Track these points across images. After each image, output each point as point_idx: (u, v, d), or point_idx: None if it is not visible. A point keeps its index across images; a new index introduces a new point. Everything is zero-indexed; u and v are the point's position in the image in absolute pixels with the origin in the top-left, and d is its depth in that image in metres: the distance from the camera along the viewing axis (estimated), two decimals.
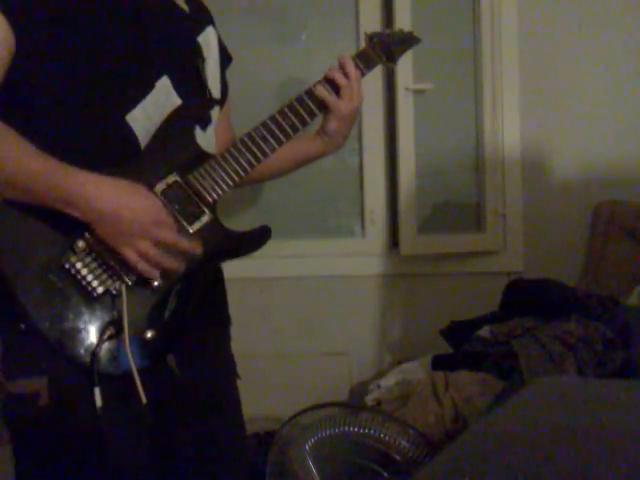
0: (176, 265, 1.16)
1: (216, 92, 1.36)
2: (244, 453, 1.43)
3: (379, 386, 2.25)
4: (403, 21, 2.46)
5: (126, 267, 1.13)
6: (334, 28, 2.68)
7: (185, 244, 1.16)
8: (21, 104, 1.14)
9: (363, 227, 2.70)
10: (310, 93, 1.32)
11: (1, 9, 1.08)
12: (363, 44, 1.43)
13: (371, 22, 2.61)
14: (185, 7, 1.32)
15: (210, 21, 1.39)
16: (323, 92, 1.32)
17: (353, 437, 1.79)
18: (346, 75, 1.33)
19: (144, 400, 1.12)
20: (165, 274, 1.16)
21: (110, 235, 1.11)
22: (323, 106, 1.33)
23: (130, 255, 1.11)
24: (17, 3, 1.09)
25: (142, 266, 1.13)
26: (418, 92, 2.55)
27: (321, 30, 2.68)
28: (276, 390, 2.53)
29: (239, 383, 1.40)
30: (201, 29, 1.34)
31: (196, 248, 1.18)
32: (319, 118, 1.37)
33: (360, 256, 2.67)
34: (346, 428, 1.79)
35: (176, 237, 1.15)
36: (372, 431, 1.78)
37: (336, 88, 1.33)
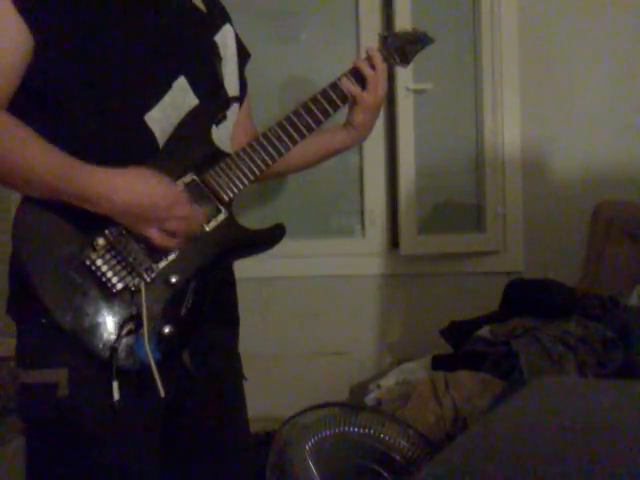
0: (195, 230, 1.19)
1: (234, 90, 1.37)
2: (248, 453, 1.44)
3: (379, 386, 2.25)
4: (403, 21, 2.46)
5: (145, 264, 1.15)
6: (334, 28, 2.68)
7: (200, 211, 1.19)
8: (41, 104, 1.15)
9: (363, 227, 2.70)
10: (335, 86, 1.34)
11: (20, 11, 1.09)
12: (377, 44, 1.43)
13: (371, 22, 2.62)
14: (202, 6, 1.33)
15: (227, 19, 1.40)
16: (348, 84, 1.34)
17: (353, 437, 1.79)
18: (373, 67, 1.35)
19: (162, 394, 1.13)
20: (181, 267, 1.18)
21: (132, 224, 1.13)
22: (346, 99, 1.35)
23: (157, 240, 1.14)
24: (36, 5, 1.10)
25: (171, 244, 1.16)
26: (418, 92, 2.55)
27: (321, 30, 2.68)
28: (276, 390, 2.53)
29: None
30: (218, 28, 1.35)
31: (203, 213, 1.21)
32: (340, 113, 1.39)
33: (360, 256, 2.67)
34: (346, 428, 1.79)
35: (193, 209, 1.18)
36: (372, 431, 1.78)
37: (362, 80, 1.35)
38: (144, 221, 1.13)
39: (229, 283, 1.38)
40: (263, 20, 2.65)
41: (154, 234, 1.14)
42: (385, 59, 1.38)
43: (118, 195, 1.10)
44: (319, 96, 1.32)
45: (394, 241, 2.67)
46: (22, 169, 1.09)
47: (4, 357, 2.03)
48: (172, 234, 1.15)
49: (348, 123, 1.42)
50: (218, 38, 1.34)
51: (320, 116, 1.32)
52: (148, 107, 1.19)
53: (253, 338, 2.48)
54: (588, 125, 2.61)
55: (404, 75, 2.50)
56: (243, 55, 1.43)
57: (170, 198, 1.14)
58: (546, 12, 2.61)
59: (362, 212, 2.69)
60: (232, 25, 1.40)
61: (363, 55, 1.38)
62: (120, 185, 1.10)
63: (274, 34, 2.67)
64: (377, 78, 1.35)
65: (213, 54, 1.32)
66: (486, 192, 2.61)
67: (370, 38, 2.56)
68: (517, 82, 2.59)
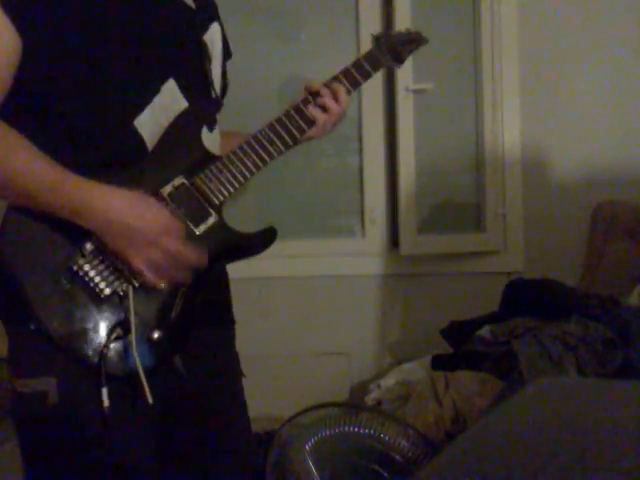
0: (183, 277, 1.16)
1: (219, 91, 1.36)
2: (248, 453, 1.42)
3: (379, 386, 2.25)
4: (403, 21, 2.46)
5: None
6: (334, 28, 2.68)
7: (193, 255, 1.16)
8: (29, 107, 1.14)
9: (363, 227, 2.70)
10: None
11: (8, 13, 1.07)
12: (369, 45, 1.42)
13: (371, 22, 2.62)
14: (191, 3, 1.30)
15: (215, 16, 1.37)
16: (314, 111, 1.32)
17: (353, 437, 1.79)
18: (337, 101, 1.33)
19: (150, 401, 1.11)
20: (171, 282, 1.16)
21: (119, 245, 1.11)
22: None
23: (139, 265, 1.11)
24: (24, 7, 1.09)
25: (150, 276, 1.12)
26: (418, 92, 2.55)
27: (321, 30, 2.69)
28: (276, 390, 2.53)
29: None
30: (207, 27, 1.32)
31: (203, 258, 1.17)
32: None
33: (360, 256, 2.67)
34: (346, 428, 1.79)
35: (184, 248, 1.15)
36: (372, 431, 1.78)
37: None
38: (130, 245, 1.10)
39: (223, 284, 1.36)
40: (263, 19, 2.65)
41: (137, 262, 1.11)
42: (378, 62, 1.38)
43: (110, 212, 1.08)
44: (310, 98, 1.31)
45: (394, 241, 2.67)
46: (11, 180, 1.07)
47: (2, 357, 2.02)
48: (156, 268, 1.12)
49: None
50: (207, 37, 1.31)
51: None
52: (137, 111, 1.17)
53: (253, 338, 2.47)
54: (588, 125, 2.61)
55: (404, 75, 2.50)
56: (226, 54, 1.40)
57: (161, 226, 1.11)
58: (546, 12, 2.61)
59: (362, 212, 2.69)
60: (220, 23, 1.37)
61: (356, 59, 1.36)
62: (114, 203, 1.09)
63: (274, 33, 2.67)
64: (340, 108, 1.34)
65: (203, 55, 1.29)
66: (486, 192, 2.61)
67: (370, 38, 2.56)
68: (517, 82, 2.59)
